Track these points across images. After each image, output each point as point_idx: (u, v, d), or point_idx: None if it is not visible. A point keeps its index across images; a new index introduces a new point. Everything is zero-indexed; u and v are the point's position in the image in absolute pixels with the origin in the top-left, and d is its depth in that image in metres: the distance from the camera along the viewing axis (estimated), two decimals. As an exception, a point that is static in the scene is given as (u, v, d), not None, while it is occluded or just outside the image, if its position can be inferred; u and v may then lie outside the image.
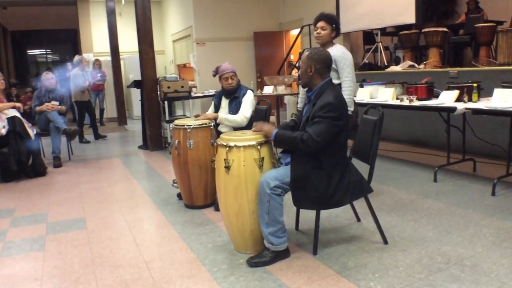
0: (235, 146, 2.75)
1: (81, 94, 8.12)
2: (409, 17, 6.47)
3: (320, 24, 3.56)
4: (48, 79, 6.48)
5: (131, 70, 11.46)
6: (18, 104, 5.61)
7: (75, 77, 8.04)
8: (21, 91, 12.38)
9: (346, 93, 3.37)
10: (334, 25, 3.54)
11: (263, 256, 2.71)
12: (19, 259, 3.00)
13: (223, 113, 4.11)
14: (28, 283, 2.64)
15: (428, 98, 4.47)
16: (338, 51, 3.48)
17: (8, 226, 3.71)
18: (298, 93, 4.77)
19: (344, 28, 7.30)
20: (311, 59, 2.73)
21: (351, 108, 3.43)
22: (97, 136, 8.59)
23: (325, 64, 2.75)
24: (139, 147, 7.33)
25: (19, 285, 2.63)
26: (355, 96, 5.03)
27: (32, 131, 5.52)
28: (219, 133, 3.83)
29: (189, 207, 3.92)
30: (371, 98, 5.03)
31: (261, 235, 2.76)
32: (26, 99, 10.33)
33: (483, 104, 3.92)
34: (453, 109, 3.92)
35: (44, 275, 2.74)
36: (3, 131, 5.15)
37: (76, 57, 8.76)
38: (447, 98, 4.20)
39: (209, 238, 3.19)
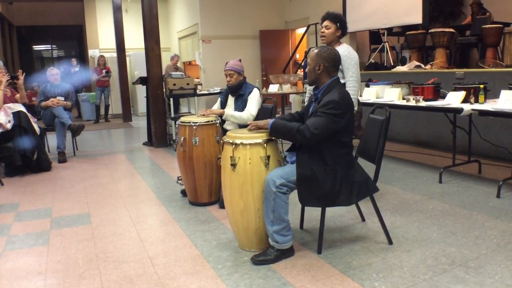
0: (241, 143, 2.75)
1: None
2: (416, 17, 6.44)
3: (325, 23, 3.56)
4: (53, 74, 6.49)
5: (137, 67, 11.48)
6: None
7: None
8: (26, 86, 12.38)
9: (350, 93, 3.35)
10: (338, 24, 3.52)
11: (267, 254, 2.71)
12: (23, 253, 3.01)
13: (229, 110, 4.11)
14: (32, 277, 2.65)
15: (435, 99, 4.45)
16: (343, 51, 3.47)
17: (12, 220, 3.72)
18: (303, 92, 4.78)
19: (350, 28, 7.26)
20: (320, 57, 2.72)
21: (355, 108, 3.41)
22: None
23: (334, 63, 2.75)
24: (144, 143, 7.34)
25: (23, 279, 2.64)
26: (360, 96, 5.04)
27: (37, 126, 5.53)
28: (224, 131, 3.82)
29: (194, 204, 3.92)
30: (377, 98, 5.01)
31: (266, 233, 2.76)
32: (32, 94, 10.37)
33: (489, 105, 3.90)
34: (460, 110, 3.89)
35: (48, 269, 2.75)
36: (9, 126, 5.17)
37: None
38: (453, 99, 4.18)
39: (213, 235, 3.19)
